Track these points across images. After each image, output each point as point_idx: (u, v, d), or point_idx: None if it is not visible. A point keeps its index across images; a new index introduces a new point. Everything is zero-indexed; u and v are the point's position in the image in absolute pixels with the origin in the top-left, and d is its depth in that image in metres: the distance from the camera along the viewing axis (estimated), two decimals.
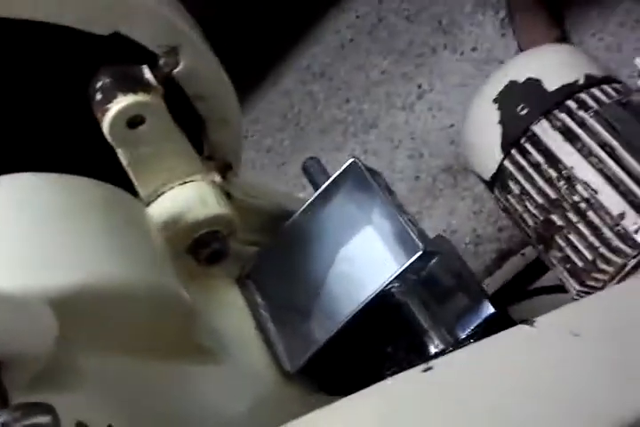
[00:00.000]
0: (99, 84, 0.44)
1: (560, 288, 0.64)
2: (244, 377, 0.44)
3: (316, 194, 0.53)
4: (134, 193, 0.47)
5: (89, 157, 0.48)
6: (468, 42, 1.13)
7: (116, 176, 0.45)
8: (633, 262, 0.53)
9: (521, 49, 1.05)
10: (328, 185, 0.53)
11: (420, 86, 1.11)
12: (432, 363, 0.36)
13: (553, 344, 0.38)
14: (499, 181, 0.65)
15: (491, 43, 1.12)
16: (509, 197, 0.64)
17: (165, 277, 0.39)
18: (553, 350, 0.38)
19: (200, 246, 0.46)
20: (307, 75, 1.18)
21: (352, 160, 0.53)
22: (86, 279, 0.34)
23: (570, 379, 0.36)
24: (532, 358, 0.37)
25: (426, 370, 0.36)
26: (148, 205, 0.47)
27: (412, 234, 0.48)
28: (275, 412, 0.44)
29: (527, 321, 0.40)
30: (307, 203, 0.53)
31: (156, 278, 0.38)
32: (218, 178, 0.50)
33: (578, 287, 0.56)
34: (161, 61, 0.47)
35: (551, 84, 0.65)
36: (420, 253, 0.46)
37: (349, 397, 0.34)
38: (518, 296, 0.73)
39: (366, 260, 0.50)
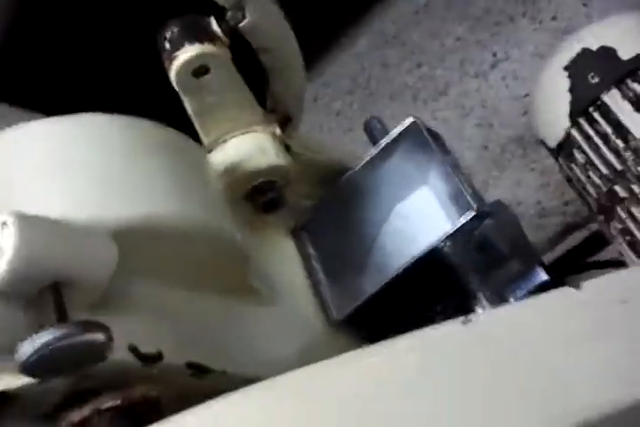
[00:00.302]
0: (168, 34, 0.46)
1: (619, 263, 0.63)
2: (292, 322, 0.46)
3: (375, 151, 0.53)
4: (197, 141, 0.48)
5: (157, 105, 0.50)
6: (548, 10, 1.10)
7: (182, 125, 0.47)
8: None
9: None
10: (387, 143, 0.54)
11: (494, 55, 1.08)
12: (471, 316, 0.37)
13: (597, 308, 0.38)
14: (564, 149, 0.64)
15: (571, 12, 1.08)
16: (574, 166, 0.63)
17: (221, 220, 0.41)
18: (597, 314, 0.37)
19: (257, 194, 0.47)
20: (379, 39, 1.17)
21: (412, 119, 0.53)
22: (147, 214, 0.36)
23: (610, 342, 0.36)
24: (575, 319, 0.37)
25: (465, 322, 0.36)
26: (209, 152, 0.49)
27: (466, 194, 0.48)
28: (320, 356, 0.46)
29: (572, 284, 0.39)
30: (365, 159, 0.54)
31: (213, 220, 0.40)
32: (278, 130, 0.51)
33: (636, 260, 0.55)
34: (228, 15, 0.48)
35: (625, 53, 0.63)
36: (473, 213, 0.46)
37: (389, 340, 0.35)
38: (575, 269, 0.72)
39: (420, 218, 0.51)
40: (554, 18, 1.10)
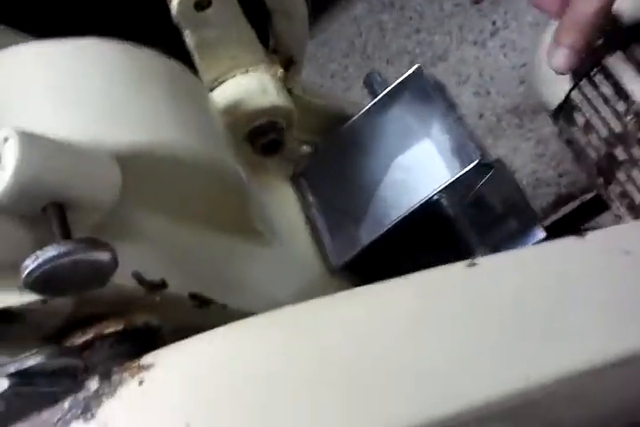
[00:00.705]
0: None
1: None
2: (292, 265, 0.45)
3: (377, 99, 0.53)
4: None
5: (158, 41, 0.49)
6: None
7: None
8: None
9: None
10: (390, 91, 0.53)
11: (494, 23, 1.07)
12: (477, 260, 0.36)
13: (601, 257, 0.38)
14: (564, 111, 0.63)
15: None
16: (573, 129, 0.62)
17: (225, 153, 0.40)
18: (600, 262, 0.37)
19: (258, 135, 0.46)
20: (377, 3, 1.16)
21: (417, 66, 0.52)
22: (153, 140, 0.35)
23: (614, 291, 0.36)
24: (578, 266, 0.37)
25: (470, 265, 0.36)
26: (210, 91, 0.48)
27: (468, 145, 0.47)
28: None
29: (578, 234, 0.39)
30: (366, 107, 0.53)
31: (217, 152, 0.39)
32: (280, 71, 0.50)
33: None
34: None
35: (631, 18, 0.62)
36: (475, 162, 0.46)
37: (392, 280, 0.34)
38: (572, 232, 0.72)
39: (421, 169, 0.50)
40: None
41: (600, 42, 0.63)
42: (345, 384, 0.30)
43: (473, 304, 0.35)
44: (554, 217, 0.81)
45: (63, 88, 0.36)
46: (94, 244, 0.29)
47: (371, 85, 0.59)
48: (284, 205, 0.49)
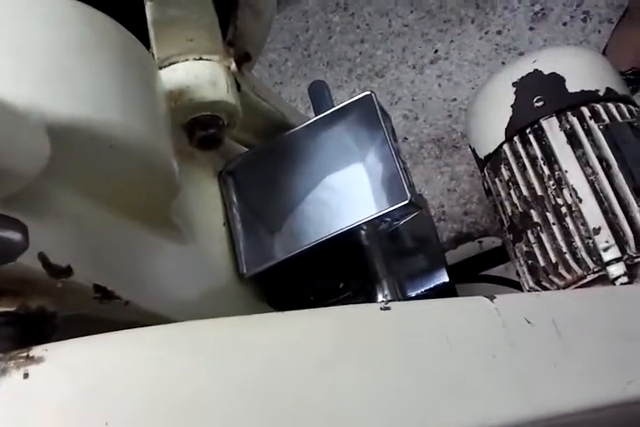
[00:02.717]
0: None
1: (513, 283, 0.64)
2: (202, 265, 0.44)
3: (322, 115, 0.52)
4: None
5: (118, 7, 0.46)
6: (497, 24, 1.11)
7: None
8: (591, 277, 0.53)
9: (604, 52, 1.01)
10: (336, 110, 0.52)
11: (436, 51, 1.09)
12: (391, 304, 0.36)
13: (506, 323, 0.39)
14: (492, 161, 0.64)
15: (517, 32, 1.11)
16: (497, 180, 0.63)
17: (162, 141, 0.37)
18: (505, 329, 0.38)
19: (197, 127, 0.44)
20: (330, 2, 1.15)
21: (368, 93, 0.51)
22: (92, 117, 0.33)
23: (513, 357, 0.37)
24: (484, 329, 0.38)
25: (384, 309, 0.36)
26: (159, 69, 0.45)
27: (403, 182, 0.47)
28: (222, 305, 0.44)
29: (486, 295, 0.40)
30: (310, 120, 0.52)
31: (155, 140, 0.37)
32: (234, 65, 0.48)
33: (532, 284, 0.57)
34: None
35: (573, 86, 0.64)
36: (406, 202, 0.46)
37: (309, 310, 0.34)
38: (467, 278, 0.74)
39: (349, 194, 0.50)
40: (499, 32, 1.12)
41: (540, 103, 0.65)
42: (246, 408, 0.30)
43: (381, 348, 0.34)
44: (453, 259, 0.83)
45: (7, 39, 0.33)
46: (7, 222, 0.27)
47: (315, 95, 0.58)
48: (206, 200, 0.47)
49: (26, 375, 0.28)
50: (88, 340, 0.30)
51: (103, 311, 0.35)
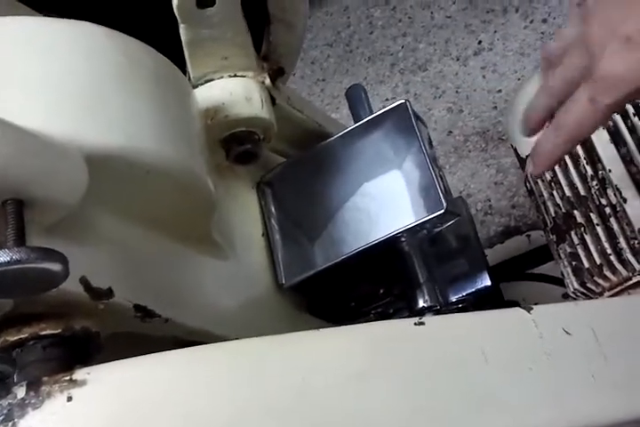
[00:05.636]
0: None
1: (559, 281, 0.64)
2: (242, 279, 0.45)
3: (357, 124, 0.52)
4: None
5: (152, 30, 0.47)
6: (541, 12, 1.09)
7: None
8: (637, 279, 0.52)
9: None
10: (371, 119, 0.52)
11: (480, 42, 1.08)
12: (425, 319, 0.36)
13: (543, 334, 0.38)
14: None
15: (563, 19, 1.08)
16: (539, 180, 0.63)
17: (197, 163, 0.38)
18: (542, 340, 0.38)
19: (233, 143, 0.45)
20: None
21: (402, 101, 0.51)
22: (127, 145, 0.34)
23: (550, 370, 0.37)
24: (522, 341, 0.38)
25: (418, 324, 0.36)
26: (194, 88, 0.46)
27: (439, 190, 0.47)
28: (262, 317, 0.46)
29: (523, 306, 0.40)
30: (346, 130, 0.52)
31: (191, 162, 0.38)
32: (268, 80, 0.48)
33: (576, 286, 0.56)
34: None
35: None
36: (442, 211, 0.46)
37: (341, 328, 0.34)
38: (513, 276, 0.73)
39: (387, 202, 0.50)
40: (544, 21, 1.10)
41: None
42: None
43: (416, 364, 0.35)
44: (497, 255, 0.82)
45: (44, 72, 0.34)
46: (47, 254, 0.28)
47: (352, 99, 0.59)
48: (245, 212, 0.48)
49: (69, 398, 0.30)
50: (129, 362, 0.31)
51: (145, 328, 0.37)
